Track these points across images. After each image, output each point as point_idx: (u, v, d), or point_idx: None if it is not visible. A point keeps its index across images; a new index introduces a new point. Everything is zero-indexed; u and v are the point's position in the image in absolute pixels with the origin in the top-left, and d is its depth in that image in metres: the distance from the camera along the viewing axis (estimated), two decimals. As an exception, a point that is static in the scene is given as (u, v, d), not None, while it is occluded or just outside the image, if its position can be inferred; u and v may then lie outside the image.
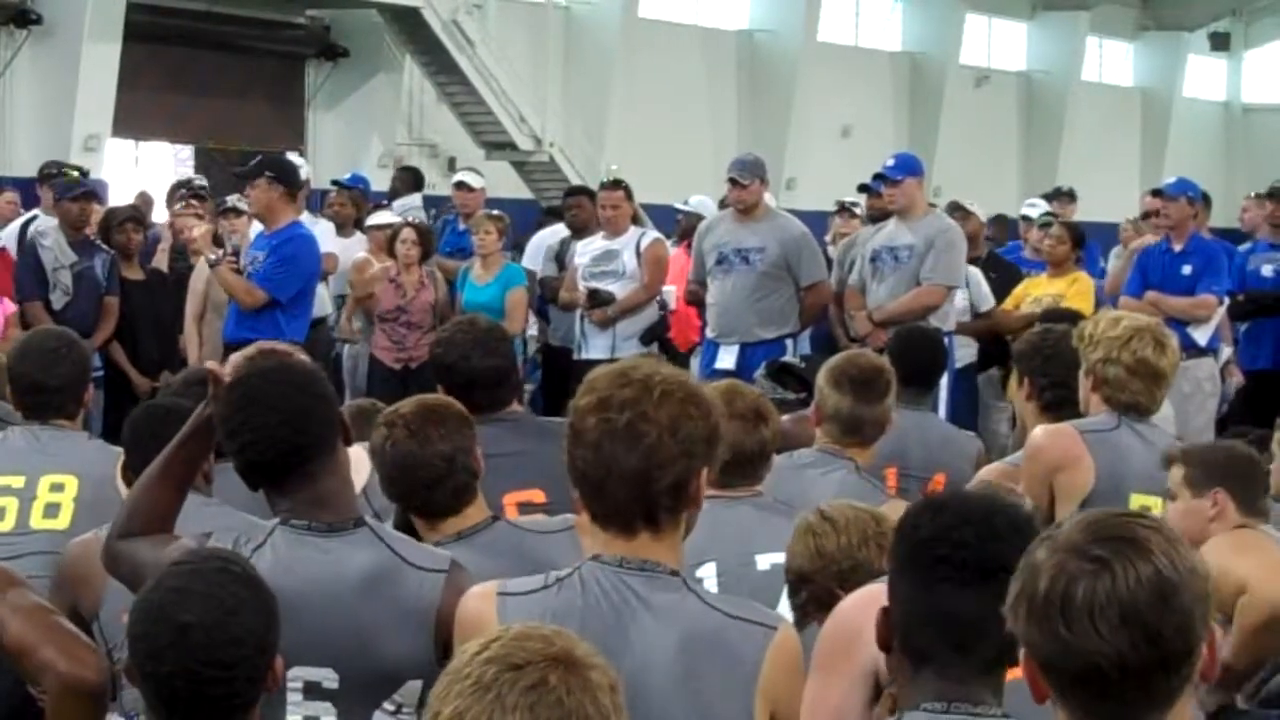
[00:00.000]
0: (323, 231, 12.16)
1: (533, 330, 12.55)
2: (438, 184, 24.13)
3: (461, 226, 12.96)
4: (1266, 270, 11.56)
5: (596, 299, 11.23)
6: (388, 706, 3.72)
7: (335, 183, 14.53)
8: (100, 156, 22.68)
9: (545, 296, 12.31)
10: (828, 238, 12.92)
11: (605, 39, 29.87)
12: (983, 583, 2.76)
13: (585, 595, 3.20)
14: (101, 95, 23.19)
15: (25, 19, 23.28)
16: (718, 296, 10.36)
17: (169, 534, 3.90)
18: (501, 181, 24.22)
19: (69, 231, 10.94)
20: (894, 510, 4.14)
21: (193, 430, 3.97)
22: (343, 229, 13.19)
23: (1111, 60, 42.08)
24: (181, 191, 13.41)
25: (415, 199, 15.49)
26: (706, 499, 3.31)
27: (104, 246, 11.08)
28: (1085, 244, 12.10)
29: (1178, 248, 10.88)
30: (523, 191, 26.75)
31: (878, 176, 10.68)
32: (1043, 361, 5.78)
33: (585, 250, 11.56)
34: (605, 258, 11.37)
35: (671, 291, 11.32)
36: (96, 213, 11.59)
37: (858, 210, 13.29)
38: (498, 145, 27.63)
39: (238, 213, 11.38)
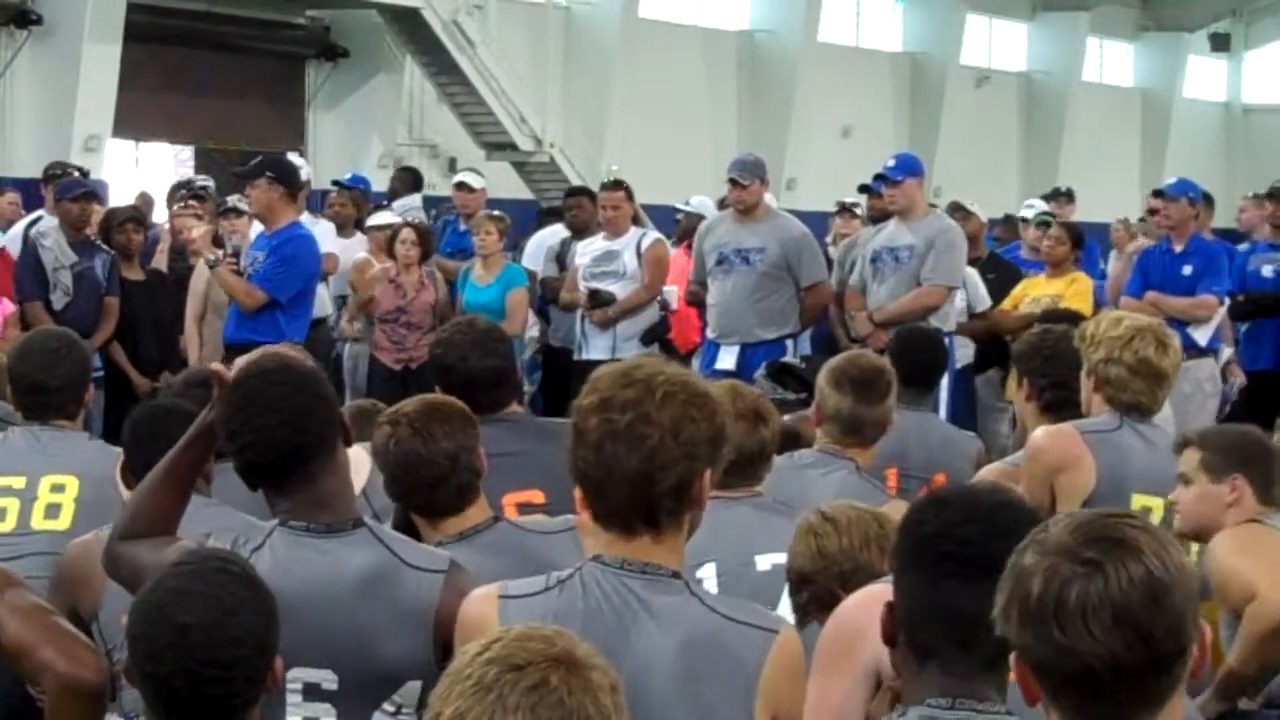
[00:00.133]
0: (323, 232, 12.16)
1: (533, 331, 12.53)
2: (438, 185, 24.14)
3: (462, 227, 12.96)
4: (1266, 270, 11.56)
5: (597, 299, 11.23)
6: (387, 707, 3.72)
7: (336, 183, 14.53)
8: (100, 157, 22.68)
9: (546, 297, 12.31)
10: (828, 238, 12.93)
11: (605, 39, 29.88)
12: (987, 579, 2.75)
13: (586, 597, 3.19)
14: (102, 96, 23.19)
15: (25, 19, 23.28)
16: (718, 297, 10.36)
17: (171, 536, 3.90)
18: (502, 182, 24.22)
19: (69, 232, 10.94)
20: (895, 511, 4.14)
21: (196, 433, 3.97)
22: (343, 229, 13.19)
23: (1112, 61, 42.09)
24: (181, 192, 13.41)
25: (415, 199, 15.49)
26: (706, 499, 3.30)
27: (104, 247, 11.08)
28: (1084, 244, 12.10)
29: (1178, 248, 10.89)
30: (523, 192, 26.75)
31: (878, 177, 10.68)
32: (1042, 362, 5.78)
33: (586, 251, 11.57)
34: (606, 258, 11.37)
35: (673, 291, 11.33)
36: (97, 213, 11.59)
37: (858, 211, 13.30)
38: (498, 146, 27.64)
39: (238, 213, 11.38)
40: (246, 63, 26.56)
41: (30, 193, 15.30)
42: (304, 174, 10.87)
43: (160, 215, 14.97)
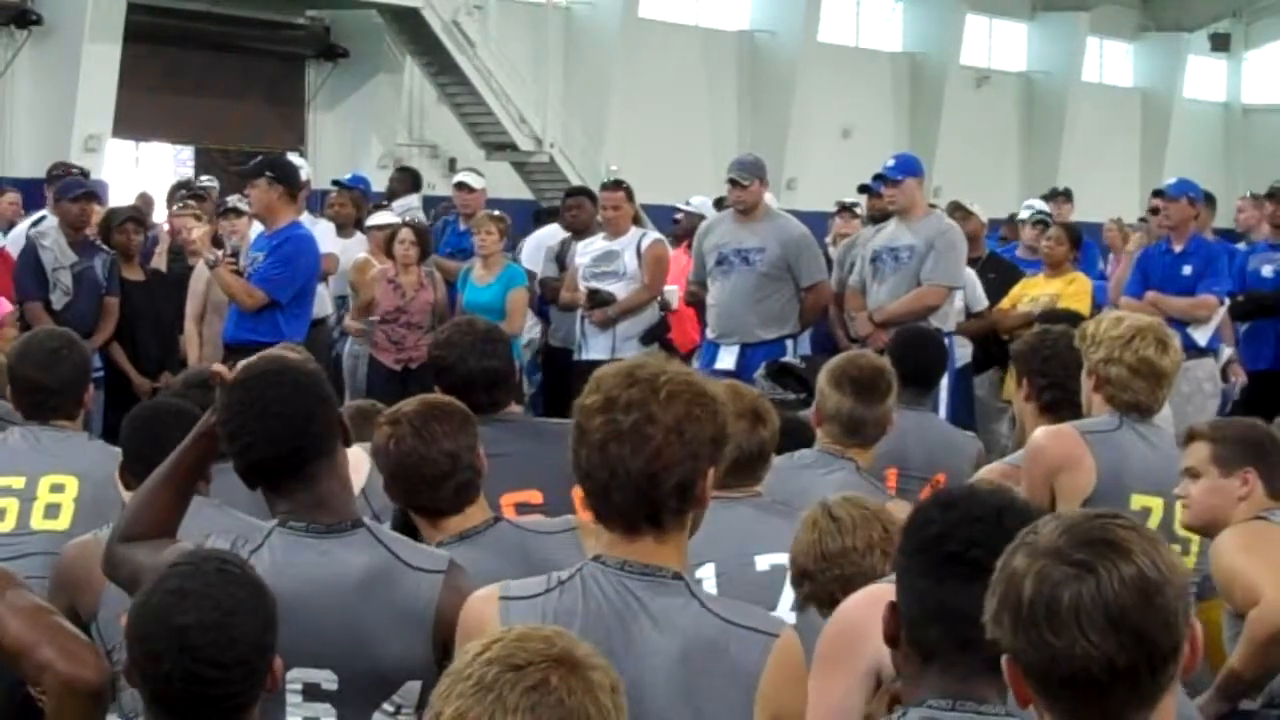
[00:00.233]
0: (323, 232, 12.16)
1: (532, 333, 12.51)
2: (438, 185, 24.15)
3: (462, 227, 12.96)
4: (1266, 270, 11.55)
5: (596, 299, 11.23)
6: (387, 707, 3.72)
7: (335, 183, 14.53)
8: (100, 157, 22.70)
9: (545, 297, 12.31)
10: (828, 238, 12.93)
11: (605, 40, 29.89)
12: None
13: (586, 599, 3.18)
14: (102, 96, 23.21)
15: (26, 19, 23.29)
16: (718, 297, 10.36)
17: (170, 538, 3.90)
18: (502, 182, 24.23)
19: (69, 232, 10.93)
20: (897, 511, 4.14)
21: (198, 436, 3.97)
22: (343, 229, 13.19)
23: (1112, 61, 42.11)
24: (181, 193, 13.42)
25: (413, 199, 15.50)
26: None
27: (104, 247, 11.08)
28: (1082, 245, 12.09)
29: (1178, 248, 10.88)
30: (523, 192, 26.76)
31: (878, 177, 10.68)
32: (1041, 362, 5.78)
33: (586, 251, 11.57)
34: (606, 258, 11.37)
35: (674, 291, 11.33)
36: (97, 213, 11.58)
37: (858, 210, 13.29)
38: (498, 146, 27.65)
39: (238, 213, 11.38)
40: (247, 63, 26.57)
41: (31, 193, 15.30)
42: (304, 174, 10.87)
43: (160, 215, 14.98)
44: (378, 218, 12.97)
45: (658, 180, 23.22)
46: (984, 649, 2.74)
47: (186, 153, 27.50)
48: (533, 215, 16.71)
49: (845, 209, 13.46)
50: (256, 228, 10.29)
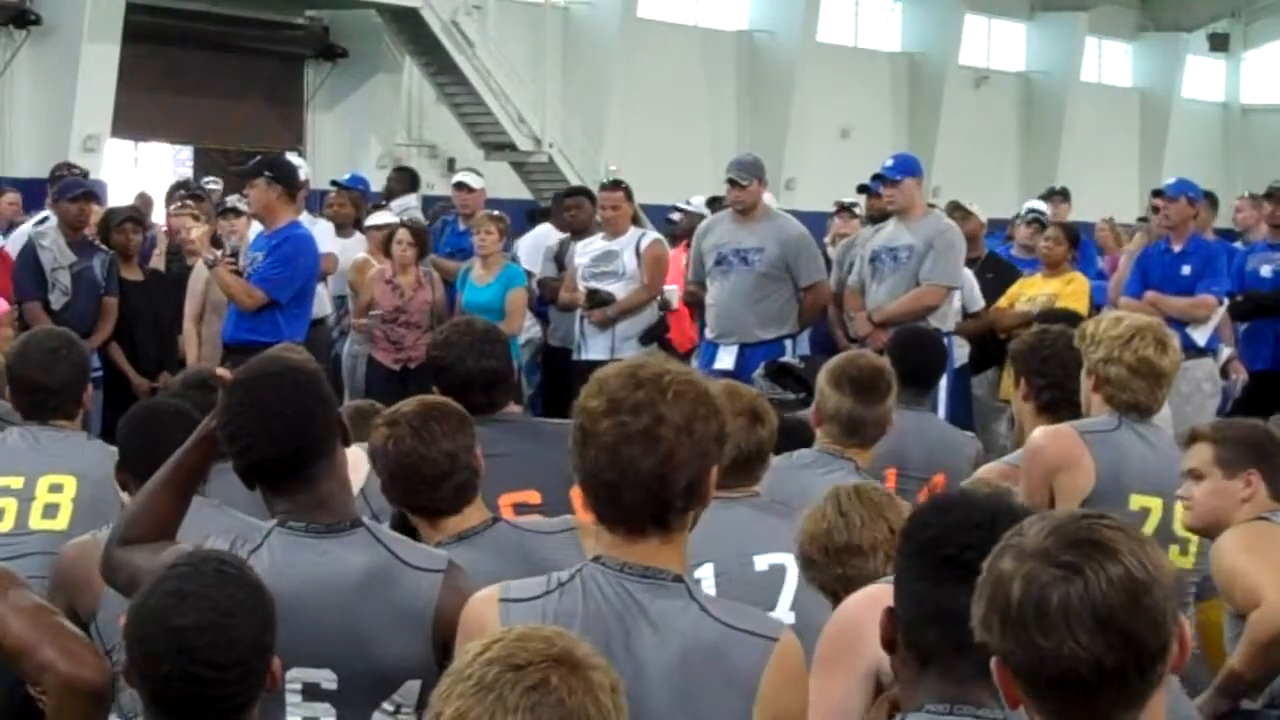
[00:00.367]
0: (322, 232, 12.16)
1: (531, 333, 12.50)
2: (437, 184, 24.15)
3: (461, 227, 12.95)
4: (1266, 270, 11.54)
5: (596, 299, 11.23)
6: (387, 707, 3.72)
7: (334, 183, 14.53)
8: (100, 157, 22.70)
9: (544, 297, 12.31)
10: (827, 239, 12.92)
11: (604, 39, 29.89)
12: None
13: (586, 601, 3.17)
14: (101, 96, 23.21)
15: (25, 19, 23.29)
16: (717, 297, 10.36)
17: (169, 541, 3.89)
18: (501, 182, 24.23)
19: (67, 232, 10.93)
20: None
21: (198, 440, 3.97)
22: (342, 229, 13.19)
23: (1110, 61, 42.12)
24: (180, 193, 13.41)
25: (411, 199, 15.50)
26: None
27: (103, 247, 11.07)
28: (1080, 244, 12.09)
29: (1177, 248, 10.87)
30: (522, 192, 26.77)
31: (876, 177, 10.68)
32: (1040, 362, 5.77)
33: (585, 251, 11.57)
34: (605, 258, 11.37)
35: (674, 291, 11.34)
36: (96, 213, 11.58)
37: (857, 210, 13.29)
38: (497, 146, 27.66)
39: (237, 213, 11.38)
40: (246, 63, 26.58)
41: (30, 193, 15.31)
42: (303, 174, 10.87)
43: (160, 216, 14.98)
44: (376, 218, 12.97)
45: (657, 180, 23.22)
46: (981, 652, 2.75)
47: (186, 153, 27.51)
48: (526, 215, 16.71)
49: (844, 209, 13.46)
50: (255, 228, 10.29)
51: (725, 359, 10.18)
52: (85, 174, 13.70)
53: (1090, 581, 2.31)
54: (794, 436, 5.72)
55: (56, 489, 5.43)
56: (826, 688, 3.38)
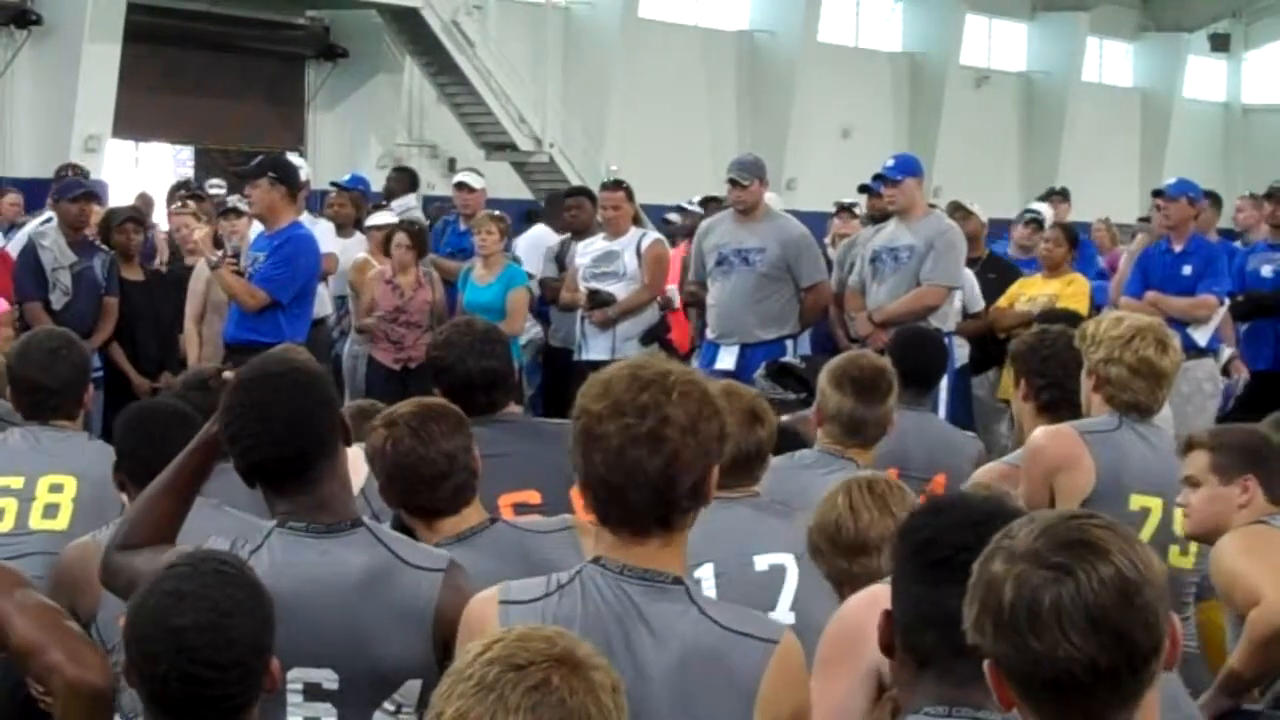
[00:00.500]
0: (322, 232, 12.16)
1: (532, 333, 12.50)
2: (438, 185, 24.15)
3: (462, 227, 12.95)
4: (1266, 270, 11.54)
5: (596, 300, 11.23)
6: (388, 707, 3.72)
7: (335, 183, 14.53)
8: (100, 157, 22.70)
9: (545, 298, 12.31)
10: (827, 239, 12.92)
11: (605, 40, 29.90)
12: None
13: (586, 603, 3.17)
14: (101, 96, 23.21)
15: (25, 19, 23.29)
16: (718, 297, 10.36)
17: (169, 544, 3.89)
18: (501, 182, 24.23)
19: (68, 232, 10.93)
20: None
21: (199, 445, 3.97)
22: (342, 229, 13.19)
23: (1111, 61, 42.12)
24: (180, 193, 13.43)
25: (411, 199, 15.51)
26: None
27: (103, 247, 11.07)
28: (1079, 244, 12.09)
29: (1178, 248, 10.87)
30: (523, 192, 26.77)
31: (877, 177, 10.67)
32: (1040, 362, 5.77)
33: (586, 251, 11.57)
34: (606, 259, 11.37)
35: (674, 290, 11.35)
36: (96, 213, 11.59)
37: (857, 210, 13.29)
38: (498, 146, 27.66)
39: (238, 214, 11.38)
40: (246, 63, 26.58)
41: (31, 193, 15.31)
42: (303, 174, 10.87)
43: (160, 216, 14.98)
44: (377, 218, 12.98)
45: (658, 180, 23.23)
46: (979, 654, 2.75)
47: (186, 153, 27.51)
48: (523, 217, 16.71)
49: (844, 209, 13.46)
50: (256, 228, 10.28)
51: (726, 359, 10.18)
52: (86, 174, 13.70)
53: (1082, 582, 2.31)
54: (786, 441, 5.71)
55: (57, 489, 5.43)
56: (828, 688, 3.38)
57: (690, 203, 14.21)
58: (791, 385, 8.26)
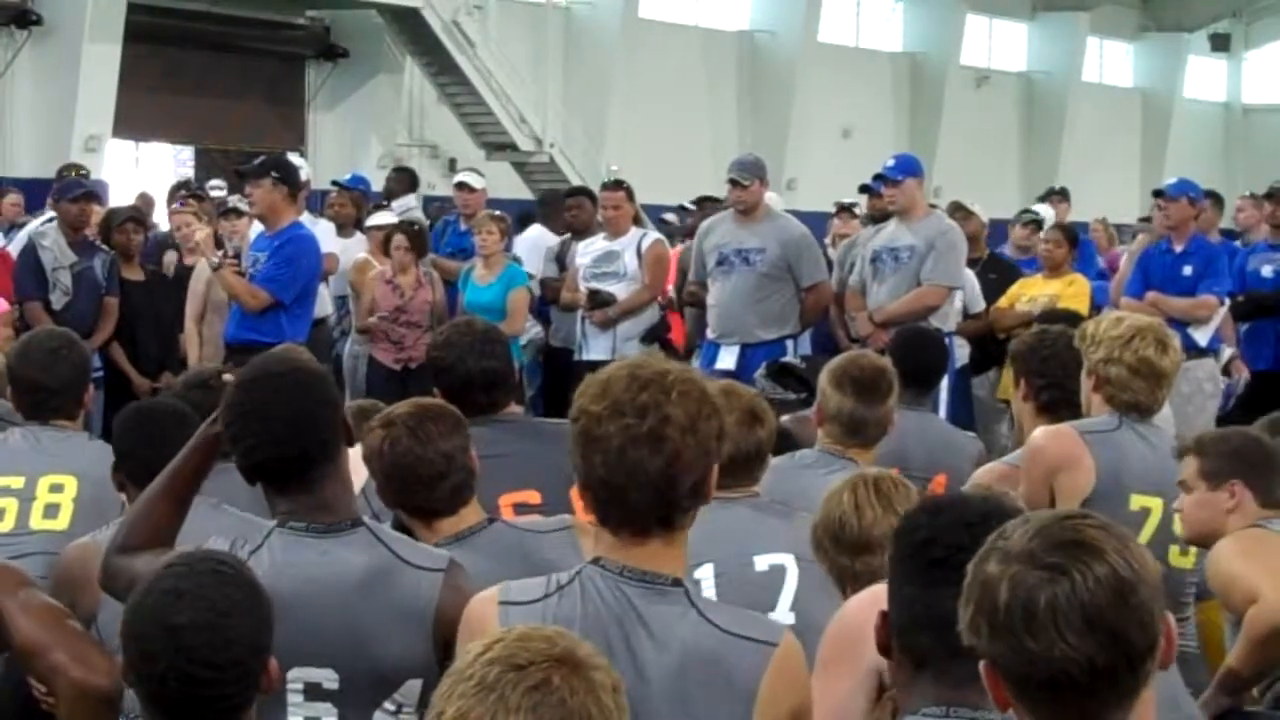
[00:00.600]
0: (323, 232, 12.16)
1: (532, 333, 12.49)
2: (438, 185, 24.15)
3: (463, 227, 12.95)
4: (1266, 271, 11.54)
5: (597, 300, 11.23)
6: (388, 706, 3.72)
7: (335, 183, 14.53)
8: (101, 157, 22.70)
9: (546, 298, 12.31)
10: (827, 239, 12.91)
11: (606, 40, 29.90)
12: None
13: (585, 604, 3.17)
14: (102, 96, 23.21)
15: (26, 20, 23.30)
16: (718, 297, 10.36)
17: (169, 548, 3.89)
18: (502, 182, 24.24)
19: (68, 232, 10.93)
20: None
21: (197, 446, 3.97)
22: (343, 229, 13.19)
23: (1112, 61, 42.13)
24: (181, 193, 13.43)
25: (411, 199, 15.51)
26: None
27: (103, 247, 11.07)
28: (1078, 243, 12.09)
29: (1178, 248, 10.87)
30: (523, 192, 26.77)
31: (878, 177, 10.67)
32: (1040, 362, 5.77)
33: (586, 251, 11.56)
34: (606, 259, 11.37)
35: (673, 290, 11.35)
36: (96, 213, 11.59)
37: (856, 210, 13.29)
38: (498, 146, 27.66)
39: (239, 214, 11.38)
40: (247, 63, 26.58)
41: (32, 193, 15.31)
42: (303, 174, 10.87)
43: (160, 216, 14.98)
44: (377, 218, 12.98)
45: (658, 180, 23.23)
46: (976, 654, 2.75)
47: (186, 153, 27.52)
48: (519, 218, 16.71)
49: (843, 209, 13.46)
50: (256, 228, 10.28)
51: (727, 359, 10.18)
52: (86, 174, 13.70)
53: (1077, 582, 2.31)
54: (780, 442, 5.70)
55: (57, 489, 5.43)
56: (829, 689, 3.38)
57: (688, 205, 14.21)
58: (792, 385, 8.25)
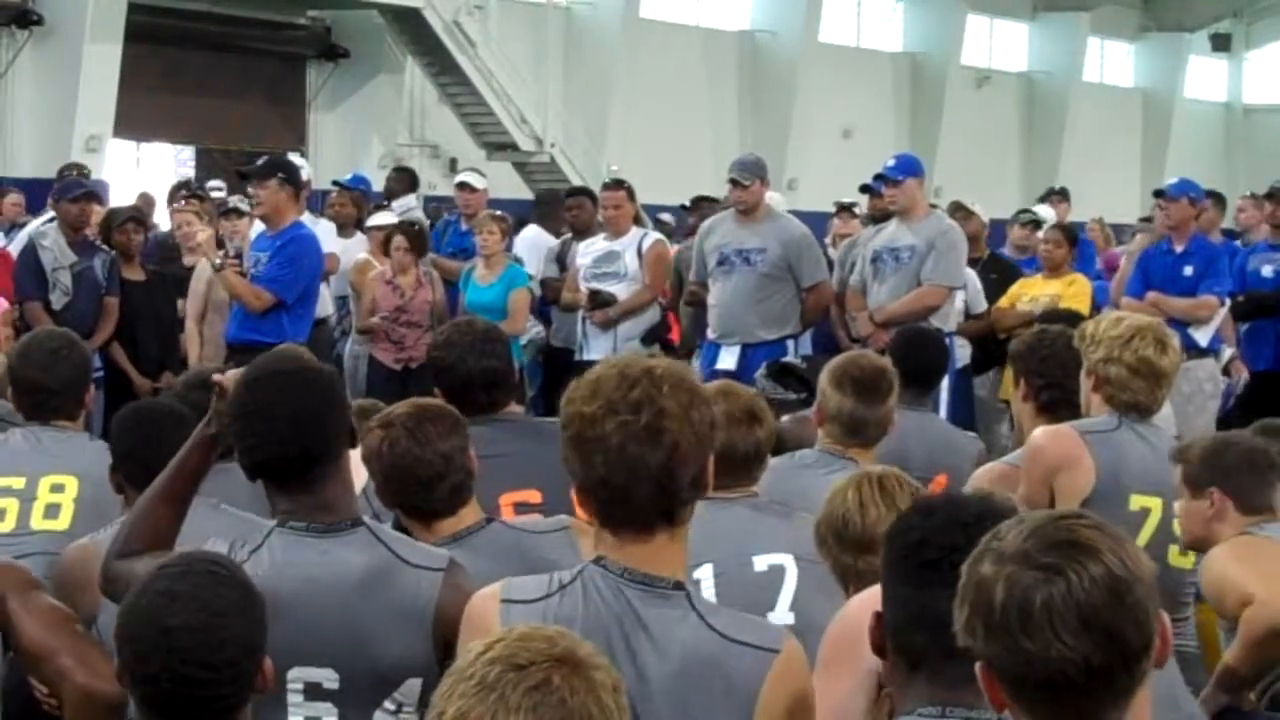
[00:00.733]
0: (323, 232, 12.16)
1: (533, 333, 12.49)
2: (439, 185, 24.15)
3: (464, 227, 12.96)
4: (1266, 270, 11.54)
5: (598, 300, 11.23)
6: (388, 706, 3.72)
7: (336, 183, 14.53)
8: (101, 157, 22.70)
9: (547, 298, 12.31)
10: (827, 239, 12.92)
11: (606, 40, 29.90)
12: None
13: (587, 605, 3.16)
14: (102, 96, 23.21)
15: (26, 20, 23.30)
16: (719, 297, 10.36)
17: (168, 551, 3.89)
18: (502, 182, 24.24)
19: (68, 232, 10.93)
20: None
21: (194, 448, 3.97)
22: (343, 229, 13.20)
23: (1112, 61, 42.12)
24: (182, 193, 13.43)
25: (411, 199, 15.51)
26: (702, 500, 3.29)
27: (103, 247, 11.07)
28: (1077, 243, 12.09)
29: (1179, 248, 10.87)
30: (523, 192, 26.76)
31: (878, 177, 10.67)
32: (1039, 362, 5.77)
33: (587, 251, 11.56)
34: (607, 259, 11.36)
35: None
36: (97, 213, 11.58)
37: (856, 210, 13.29)
38: (499, 146, 27.66)
39: (239, 214, 11.38)
40: (247, 63, 26.58)
41: (33, 193, 15.31)
42: (304, 174, 10.88)
43: (161, 216, 14.99)
44: (377, 218, 12.98)
45: (659, 180, 23.22)
46: (970, 655, 2.75)
47: (187, 153, 27.53)
48: (518, 219, 16.71)
49: (843, 209, 13.46)
50: (256, 228, 10.29)
51: (727, 359, 10.18)
52: (87, 174, 13.70)
53: (1073, 582, 2.32)
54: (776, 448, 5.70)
55: (58, 489, 5.43)
56: (829, 689, 3.38)
57: (686, 206, 14.23)
58: (792, 385, 8.25)
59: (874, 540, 4.07)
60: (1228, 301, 10.99)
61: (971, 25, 36.84)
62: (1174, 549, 5.24)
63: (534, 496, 5.01)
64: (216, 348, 9.97)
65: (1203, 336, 10.72)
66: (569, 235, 12.49)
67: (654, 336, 11.28)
